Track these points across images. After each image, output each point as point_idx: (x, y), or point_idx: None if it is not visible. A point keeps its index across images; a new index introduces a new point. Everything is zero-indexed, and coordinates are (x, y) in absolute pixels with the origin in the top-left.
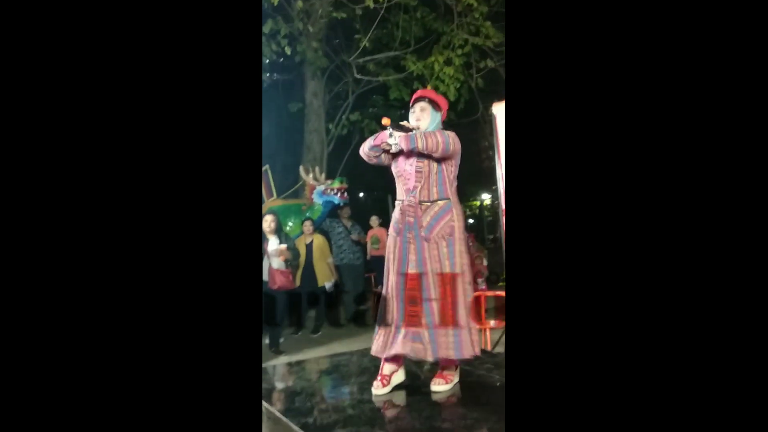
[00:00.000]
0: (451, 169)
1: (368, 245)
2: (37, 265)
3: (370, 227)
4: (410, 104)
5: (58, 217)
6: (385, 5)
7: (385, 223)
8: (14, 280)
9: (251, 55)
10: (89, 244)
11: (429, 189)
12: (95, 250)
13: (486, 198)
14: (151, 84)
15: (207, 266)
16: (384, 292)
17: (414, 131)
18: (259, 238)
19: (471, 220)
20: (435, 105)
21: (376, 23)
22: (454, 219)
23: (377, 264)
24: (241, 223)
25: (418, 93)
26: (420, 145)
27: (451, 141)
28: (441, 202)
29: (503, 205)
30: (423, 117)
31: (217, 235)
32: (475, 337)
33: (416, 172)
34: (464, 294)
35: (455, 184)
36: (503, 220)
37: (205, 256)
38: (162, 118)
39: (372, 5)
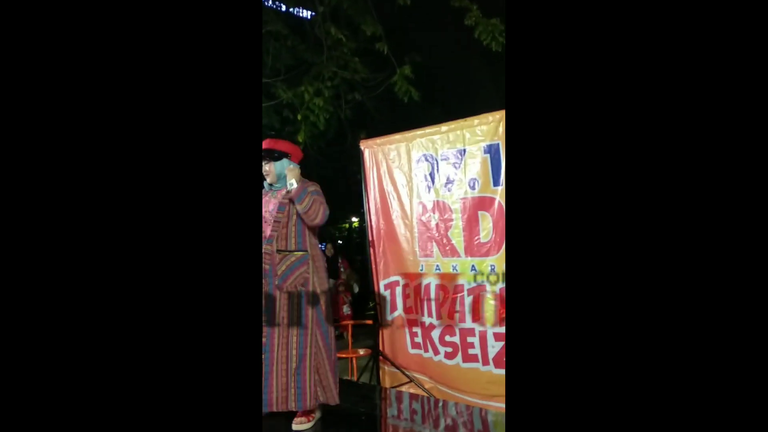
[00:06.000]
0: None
1: None
2: (32, 264)
3: None
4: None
5: (57, 219)
6: None
7: None
8: (14, 280)
9: (251, 57)
10: (82, 246)
11: (287, 239)
12: (86, 252)
13: (354, 221)
14: (149, 87)
15: (205, 269)
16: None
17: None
18: (258, 240)
19: (340, 242)
20: (272, 155)
21: None
22: (309, 271)
23: None
24: (240, 222)
25: (263, 145)
26: (305, 204)
27: (323, 215)
28: (298, 253)
29: (370, 228)
30: (270, 171)
31: (216, 235)
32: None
33: (274, 222)
34: (315, 343)
35: (316, 236)
36: (370, 240)
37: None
38: (163, 120)
39: None
